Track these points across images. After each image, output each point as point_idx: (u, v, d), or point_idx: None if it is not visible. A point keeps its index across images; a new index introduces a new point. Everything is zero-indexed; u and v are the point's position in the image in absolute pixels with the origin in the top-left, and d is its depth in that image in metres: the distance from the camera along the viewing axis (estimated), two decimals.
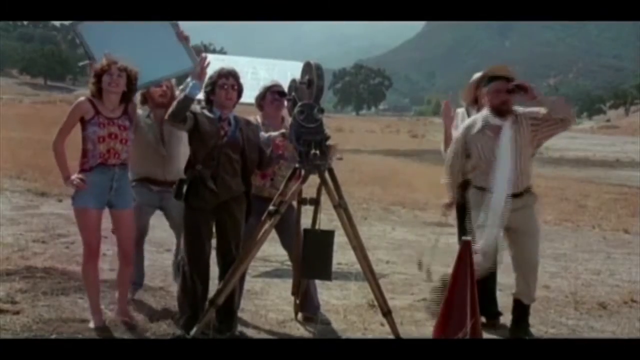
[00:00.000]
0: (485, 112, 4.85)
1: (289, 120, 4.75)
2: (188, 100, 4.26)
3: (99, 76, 4.43)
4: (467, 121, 5.00)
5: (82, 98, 4.51)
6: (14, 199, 9.91)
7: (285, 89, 4.77)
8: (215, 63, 4.84)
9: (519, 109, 4.81)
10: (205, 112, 4.48)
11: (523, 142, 4.75)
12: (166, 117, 4.34)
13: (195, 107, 4.47)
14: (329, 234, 4.52)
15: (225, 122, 4.51)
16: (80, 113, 4.41)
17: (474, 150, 4.84)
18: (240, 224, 4.58)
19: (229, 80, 4.49)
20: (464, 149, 4.92)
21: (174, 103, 4.29)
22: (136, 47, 4.63)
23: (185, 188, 4.43)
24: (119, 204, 4.52)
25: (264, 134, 4.78)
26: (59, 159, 4.41)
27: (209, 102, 4.56)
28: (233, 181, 4.50)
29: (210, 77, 4.52)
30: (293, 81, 4.57)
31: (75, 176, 4.37)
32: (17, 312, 4.65)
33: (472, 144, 4.85)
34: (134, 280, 5.06)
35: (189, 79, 4.39)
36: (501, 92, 4.70)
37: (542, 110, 4.69)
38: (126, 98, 4.49)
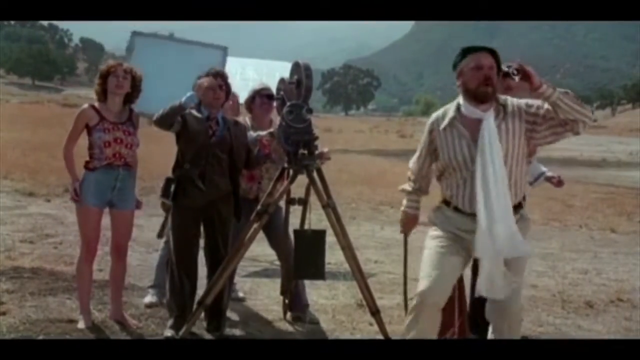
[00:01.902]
0: (460, 100, 3.62)
1: (277, 122, 4.77)
2: (181, 108, 4.26)
3: (104, 77, 4.47)
4: (437, 112, 3.74)
5: (85, 105, 4.56)
6: (1, 199, 9.84)
7: (274, 89, 4.77)
8: None
9: (512, 99, 3.60)
10: (194, 111, 4.48)
11: (513, 143, 3.51)
12: (153, 119, 4.34)
13: None
14: (320, 234, 4.52)
15: (214, 122, 4.50)
16: (85, 120, 4.46)
17: (442, 150, 3.61)
18: (228, 223, 4.58)
19: (216, 80, 4.48)
20: (429, 148, 3.74)
21: (166, 108, 4.28)
22: (180, 70, 4.68)
23: (173, 187, 4.43)
24: (120, 204, 4.53)
25: (252, 134, 4.78)
26: (68, 164, 4.51)
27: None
28: (221, 180, 4.49)
29: (199, 77, 4.51)
30: (282, 80, 4.57)
31: (72, 190, 4.46)
32: (4, 313, 4.62)
33: (440, 142, 3.63)
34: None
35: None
36: (482, 68, 3.45)
37: (545, 104, 3.46)
38: (129, 99, 4.54)
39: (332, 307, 5.43)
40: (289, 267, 4.76)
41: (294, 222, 4.84)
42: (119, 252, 4.64)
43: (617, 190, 16.75)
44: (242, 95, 5.31)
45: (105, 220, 4.61)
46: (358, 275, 4.37)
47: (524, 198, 3.69)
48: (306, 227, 4.65)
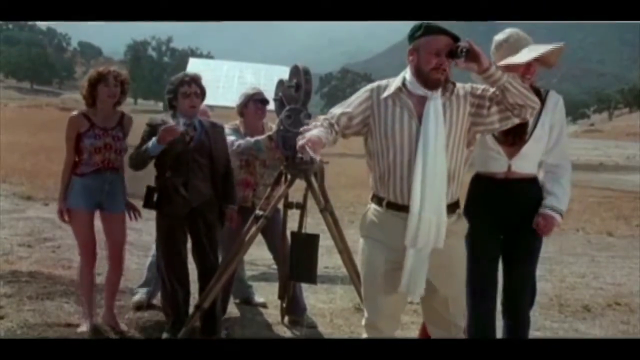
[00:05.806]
0: (407, 74, 3.18)
1: (269, 126, 4.81)
2: (150, 157, 4.27)
3: (93, 84, 4.42)
4: (380, 82, 3.29)
5: (74, 112, 4.53)
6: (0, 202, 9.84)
7: (272, 93, 4.77)
8: (201, 67, 4.86)
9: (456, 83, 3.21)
10: (170, 120, 4.39)
11: (457, 126, 3.12)
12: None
13: (156, 118, 4.45)
14: (314, 238, 4.53)
15: (191, 128, 4.43)
16: (75, 129, 4.42)
17: (380, 123, 3.15)
18: (214, 228, 4.54)
19: (191, 88, 4.39)
20: (364, 114, 3.19)
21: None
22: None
23: (155, 196, 4.40)
24: (110, 207, 4.51)
25: (250, 139, 4.77)
26: (62, 177, 4.49)
27: (172, 107, 4.47)
28: (203, 186, 4.43)
29: (172, 83, 4.44)
30: (281, 83, 4.56)
31: (59, 210, 4.50)
32: (2, 317, 4.62)
33: (377, 114, 3.16)
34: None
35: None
36: (440, 55, 3.03)
37: (490, 87, 3.10)
38: (118, 102, 4.52)
39: (330, 311, 5.43)
40: (286, 270, 4.77)
41: (292, 226, 4.84)
42: (115, 256, 4.63)
43: (614, 194, 16.78)
44: (231, 98, 5.32)
45: (101, 225, 4.61)
46: (355, 279, 4.36)
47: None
48: (303, 231, 4.66)
